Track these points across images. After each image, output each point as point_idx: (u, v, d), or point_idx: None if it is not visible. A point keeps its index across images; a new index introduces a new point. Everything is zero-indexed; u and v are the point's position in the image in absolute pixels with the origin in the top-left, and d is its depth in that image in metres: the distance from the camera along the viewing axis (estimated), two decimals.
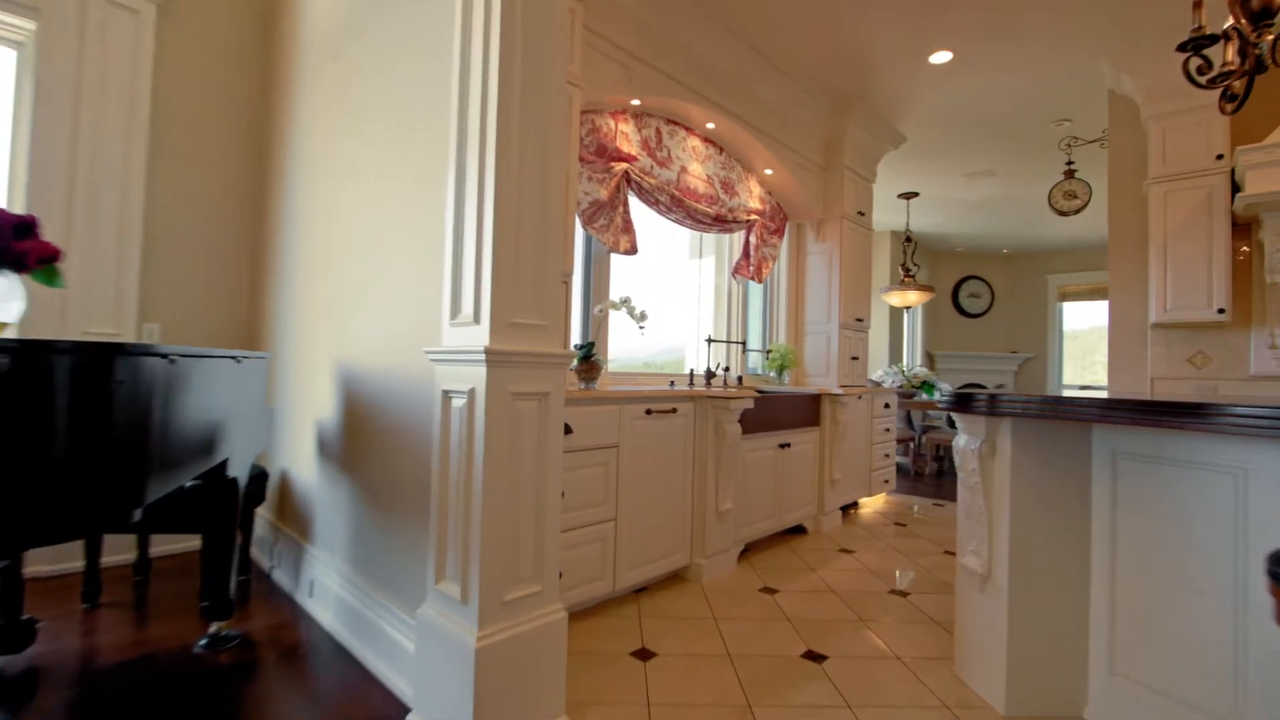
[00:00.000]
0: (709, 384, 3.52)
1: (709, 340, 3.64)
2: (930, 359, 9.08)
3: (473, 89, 1.58)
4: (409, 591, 1.82)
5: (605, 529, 2.36)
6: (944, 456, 6.56)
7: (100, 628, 2.12)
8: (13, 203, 2.56)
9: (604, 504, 2.35)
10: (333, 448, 2.34)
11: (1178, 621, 1.51)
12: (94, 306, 2.64)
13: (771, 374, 4.31)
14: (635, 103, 3.14)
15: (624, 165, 3.16)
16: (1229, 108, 1.86)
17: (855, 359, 4.54)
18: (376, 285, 2.11)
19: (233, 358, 1.87)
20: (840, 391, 3.82)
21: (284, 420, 2.83)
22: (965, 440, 1.83)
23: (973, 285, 9.36)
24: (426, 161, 1.89)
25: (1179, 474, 1.52)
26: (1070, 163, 4.23)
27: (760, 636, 2.22)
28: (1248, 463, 1.39)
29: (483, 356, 1.45)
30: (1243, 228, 3.34)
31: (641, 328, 2.85)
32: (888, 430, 4.65)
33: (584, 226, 3.04)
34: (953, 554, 3.34)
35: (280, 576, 2.64)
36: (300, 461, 2.64)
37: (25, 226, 1.42)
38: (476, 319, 1.52)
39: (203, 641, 2.00)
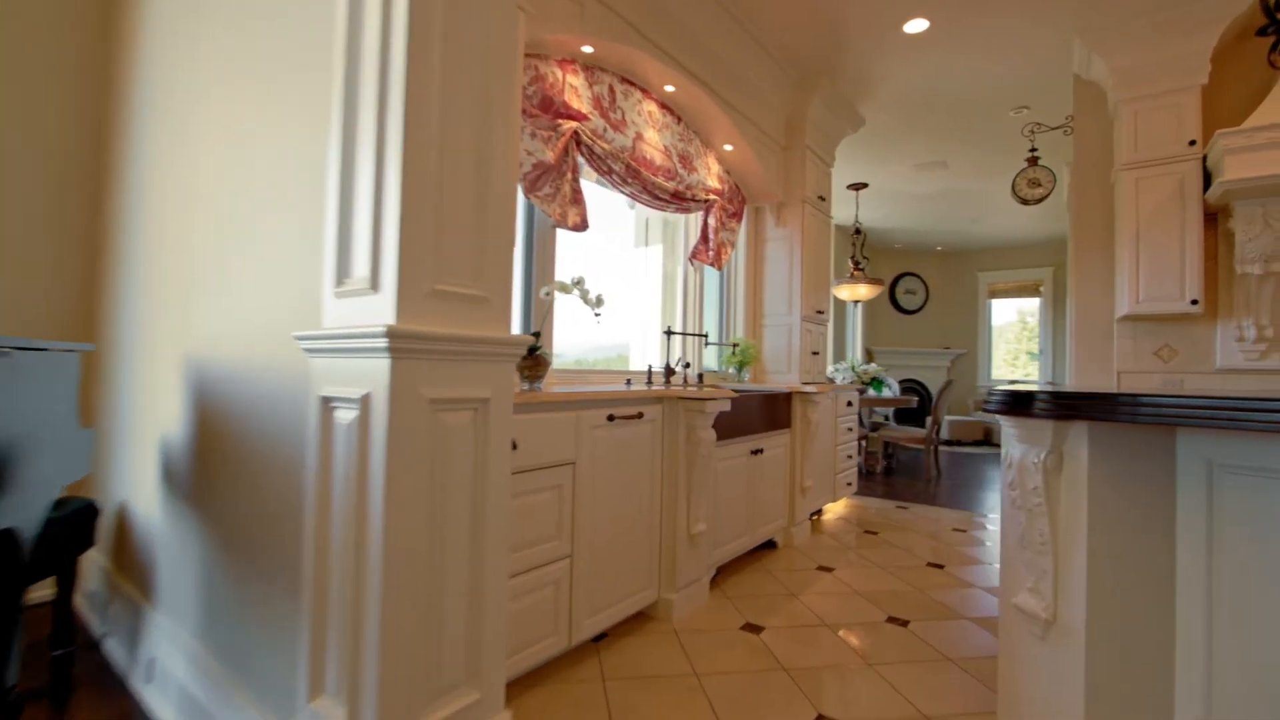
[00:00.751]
0: (668, 383, 3.07)
1: (668, 332, 3.18)
2: (869, 355, 9.07)
3: None
4: (281, 688, 1.25)
5: (559, 570, 1.85)
6: (893, 454, 6.44)
7: None
8: None
9: (557, 538, 1.84)
10: (181, 475, 1.70)
11: None
12: None
13: (731, 370, 3.91)
14: (587, 50, 2.63)
15: (574, 124, 2.64)
16: None
17: (816, 354, 4.23)
18: (246, 257, 1.51)
19: None
20: (813, 390, 3.47)
21: (123, 436, 2.13)
22: (1022, 451, 1.46)
23: (909, 282, 9.44)
24: (312, 98, 1.31)
25: None
26: (1034, 149, 4.09)
27: (755, 697, 1.78)
28: None
29: (384, 342, 0.92)
30: (1210, 217, 3.23)
31: (597, 314, 2.35)
32: (850, 430, 4.37)
33: (526, 194, 2.50)
34: (937, 566, 3.05)
35: (114, 648, 1.95)
36: (142, 492, 1.96)
37: None
38: (375, 284, 0.98)
39: None
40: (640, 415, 2.19)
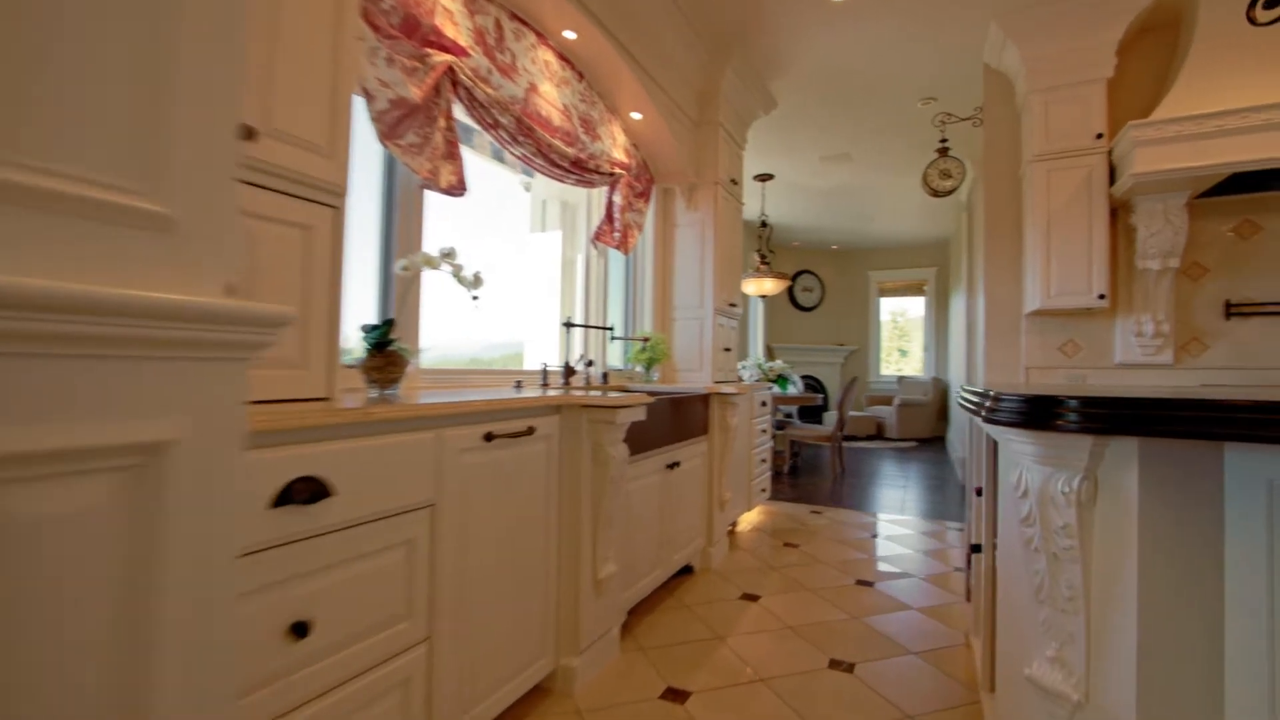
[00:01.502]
0: (568, 383, 2.55)
1: (568, 325, 2.66)
2: (770, 352, 9.05)
3: None
4: None
5: (411, 662, 1.27)
6: (798, 453, 6.33)
7: None
8: None
9: (407, 618, 1.27)
10: None
11: None
12: None
13: (639, 369, 3.46)
14: None
15: (448, 58, 2.05)
16: None
17: (728, 350, 3.89)
18: None
19: None
20: (732, 390, 3.09)
21: None
22: (1044, 477, 1.10)
23: (806, 279, 9.54)
24: None
25: None
26: (944, 140, 4.00)
27: None
28: None
29: None
30: (1112, 212, 3.22)
31: (475, 296, 1.78)
32: (764, 431, 4.08)
33: (382, 140, 1.88)
34: (866, 584, 2.77)
35: None
36: None
37: None
38: None
39: None
40: (530, 430, 1.65)
